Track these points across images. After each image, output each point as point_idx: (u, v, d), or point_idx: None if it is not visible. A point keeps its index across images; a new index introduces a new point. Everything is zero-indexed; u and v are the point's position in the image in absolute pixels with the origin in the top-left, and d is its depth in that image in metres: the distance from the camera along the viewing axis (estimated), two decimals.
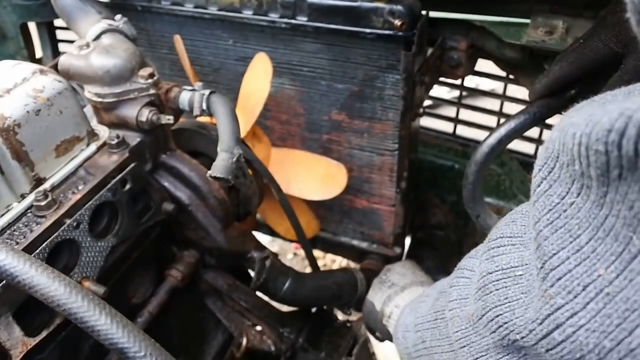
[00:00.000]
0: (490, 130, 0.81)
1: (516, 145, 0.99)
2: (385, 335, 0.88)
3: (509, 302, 0.41)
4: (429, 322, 0.62)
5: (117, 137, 0.70)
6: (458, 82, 1.02)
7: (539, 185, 0.36)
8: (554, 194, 0.35)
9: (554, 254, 0.34)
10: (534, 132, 1.02)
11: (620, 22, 0.56)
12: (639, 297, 0.30)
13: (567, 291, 0.33)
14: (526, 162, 1.08)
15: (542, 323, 0.35)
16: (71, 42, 0.89)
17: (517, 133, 0.78)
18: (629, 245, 0.30)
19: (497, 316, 0.42)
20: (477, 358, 0.48)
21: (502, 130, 0.78)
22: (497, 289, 0.43)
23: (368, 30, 0.80)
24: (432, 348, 0.61)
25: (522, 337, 0.39)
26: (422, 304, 0.67)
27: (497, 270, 0.44)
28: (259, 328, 0.87)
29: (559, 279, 0.34)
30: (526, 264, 0.42)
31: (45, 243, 0.59)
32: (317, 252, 1.15)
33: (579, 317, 0.33)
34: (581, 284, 0.32)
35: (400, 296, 0.85)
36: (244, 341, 0.84)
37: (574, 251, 0.33)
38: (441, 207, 1.14)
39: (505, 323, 0.41)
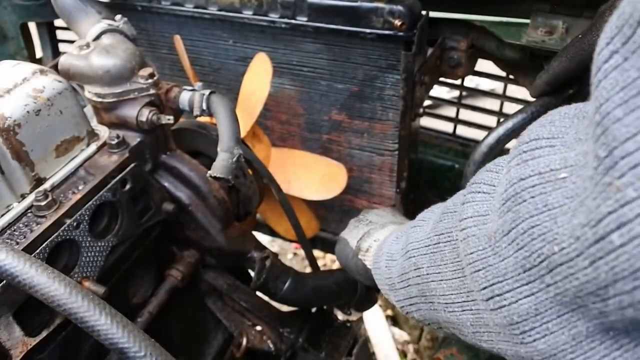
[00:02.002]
0: (490, 130, 0.81)
1: None
2: (356, 272, 0.82)
3: (549, 209, 0.35)
4: (427, 246, 0.55)
5: (117, 137, 0.70)
6: (458, 82, 1.02)
7: (607, 61, 0.30)
8: (631, 68, 0.28)
9: (629, 138, 0.28)
10: None
11: None
12: None
13: None
14: None
15: (598, 224, 0.29)
16: (71, 42, 0.89)
17: (516, 132, 0.78)
18: None
19: (532, 227, 0.36)
20: (493, 284, 0.41)
21: (501, 130, 0.78)
22: (534, 197, 0.37)
23: (368, 30, 0.80)
24: (428, 275, 0.55)
25: (562, 249, 0.33)
26: (417, 229, 0.61)
27: (532, 175, 0.37)
28: (259, 328, 0.87)
29: (634, 167, 0.27)
30: (571, 165, 0.35)
31: (46, 243, 0.59)
32: (317, 252, 1.15)
33: None
34: None
35: (380, 232, 0.78)
36: (244, 341, 0.84)
37: None
38: None
39: (542, 234, 0.35)
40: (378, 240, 0.76)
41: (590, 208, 0.30)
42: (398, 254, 0.63)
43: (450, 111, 1.13)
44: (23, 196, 0.63)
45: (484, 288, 0.43)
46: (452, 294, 0.50)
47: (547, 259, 0.35)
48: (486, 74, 1.01)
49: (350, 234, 0.83)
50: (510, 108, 0.99)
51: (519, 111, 0.78)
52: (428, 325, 0.63)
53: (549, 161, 0.37)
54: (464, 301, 0.48)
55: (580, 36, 0.64)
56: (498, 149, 0.79)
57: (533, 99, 0.80)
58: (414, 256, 0.58)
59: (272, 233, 1.14)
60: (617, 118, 0.29)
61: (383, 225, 0.80)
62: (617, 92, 0.29)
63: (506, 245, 0.39)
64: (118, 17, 0.81)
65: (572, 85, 0.73)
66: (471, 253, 0.45)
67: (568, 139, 0.37)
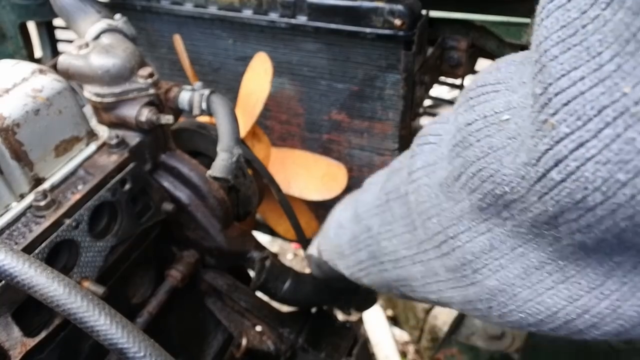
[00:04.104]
0: None
1: None
2: (338, 275, 0.76)
3: (494, 151, 0.36)
4: (377, 206, 0.56)
5: (117, 137, 0.70)
6: (458, 82, 1.02)
7: (552, 1, 0.31)
8: (572, 8, 0.29)
9: (563, 75, 0.28)
10: None
11: None
12: None
13: (576, 117, 0.28)
14: None
15: (538, 162, 0.30)
16: (70, 41, 0.89)
17: None
18: None
19: (480, 170, 0.37)
20: (447, 228, 0.42)
21: None
22: (479, 140, 0.37)
23: (368, 30, 0.80)
24: (379, 234, 0.55)
25: (512, 188, 0.34)
26: (365, 194, 0.61)
27: (478, 120, 0.38)
28: (258, 328, 0.86)
29: (567, 103, 0.28)
30: (514, 107, 0.36)
31: (45, 243, 0.59)
32: None
33: (587, 148, 0.27)
34: (596, 107, 0.27)
35: None
36: (244, 341, 0.84)
37: (591, 70, 0.27)
38: None
39: (491, 176, 0.36)
40: None
41: (529, 147, 0.31)
42: (347, 220, 0.63)
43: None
44: (22, 196, 0.63)
45: (438, 233, 0.44)
46: (402, 249, 0.51)
47: (501, 197, 0.36)
48: None
49: (310, 247, 0.83)
50: None
51: None
52: (377, 289, 0.63)
53: (493, 105, 0.38)
54: (415, 254, 0.49)
55: None
56: None
57: None
58: (364, 219, 0.58)
59: (272, 233, 1.14)
60: (553, 56, 0.29)
61: None
62: (555, 31, 0.29)
63: (459, 190, 0.40)
64: (117, 16, 0.81)
65: None
66: (423, 202, 0.45)
67: (513, 84, 0.38)
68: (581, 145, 0.28)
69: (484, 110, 0.38)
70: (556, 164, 0.29)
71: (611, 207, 0.28)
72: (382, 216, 0.55)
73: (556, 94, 0.28)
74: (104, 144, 0.71)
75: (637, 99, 0.25)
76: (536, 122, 0.30)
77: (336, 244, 0.66)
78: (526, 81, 0.36)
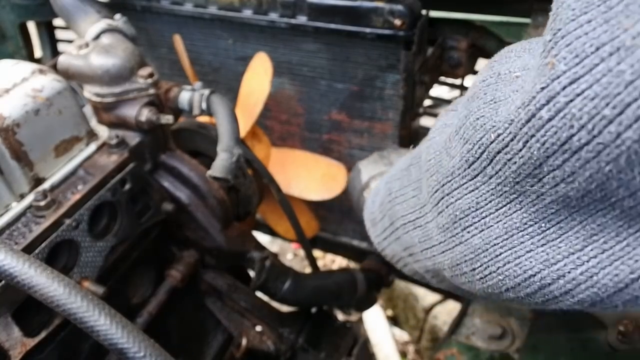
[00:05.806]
0: None
1: None
2: (357, 207, 0.81)
3: (495, 102, 0.36)
4: (401, 170, 0.57)
5: (117, 137, 0.70)
6: (458, 82, 1.02)
7: None
8: None
9: (572, 20, 0.28)
10: None
11: None
12: None
13: (575, 55, 0.27)
14: None
15: (530, 102, 0.30)
16: (70, 41, 0.89)
17: None
18: None
19: (477, 119, 0.37)
20: (443, 185, 0.42)
21: None
22: (486, 93, 0.38)
23: (368, 30, 0.80)
24: (396, 198, 0.56)
25: (498, 136, 0.34)
26: (400, 160, 0.63)
27: (491, 77, 0.39)
28: (258, 328, 0.86)
29: (569, 44, 0.28)
30: (528, 68, 0.36)
31: (45, 243, 0.59)
32: (317, 252, 1.15)
33: (578, 84, 0.27)
34: (595, 45, 0.27)
35: None
36: (244, 341, 0.84)
37: (600, 13, 0.27)
38: None
39: (484, 124, 0.36)
40: None
41: (526, 90, 0.31)
42: (382, 187, 0.64)
43: None
44: (22, 196, 0.63)
45: (436, 191, 0.44)
46: (409, 213, 0.52)
47: (487, 148, 0.35)
48: None
49: (367, 167, 0.83)
50: None
51: None
52: (396, 262, 0.64)
53: (510, 65, 0.38)
54: (417, 218, 0.50)
55: None
56: None
57: None
58: (389, 182, 0.59)
59: (272, 233, 1.14)
60: (567, 5, 0.29)
61: None
62: None
63: (456, 143, 0.40)
64: (117, 16, 0.81)
65: None
66: (429, 160, 0.46)
67: (537, 52, 0.37)
68: (574, 81, 0.27)
69: (500, 69, 0.38)
70: (547, 102, 0.28)
71: (596, 148, 0.27)
72: (402, 180, 0.55)
73: (563, 36, 0.28)
74: (104, 144, 0.71)
75: (635, 34, 0.25)
76: (540, 67, 0.30)
77: (371, 211, 0.67)
78: None
